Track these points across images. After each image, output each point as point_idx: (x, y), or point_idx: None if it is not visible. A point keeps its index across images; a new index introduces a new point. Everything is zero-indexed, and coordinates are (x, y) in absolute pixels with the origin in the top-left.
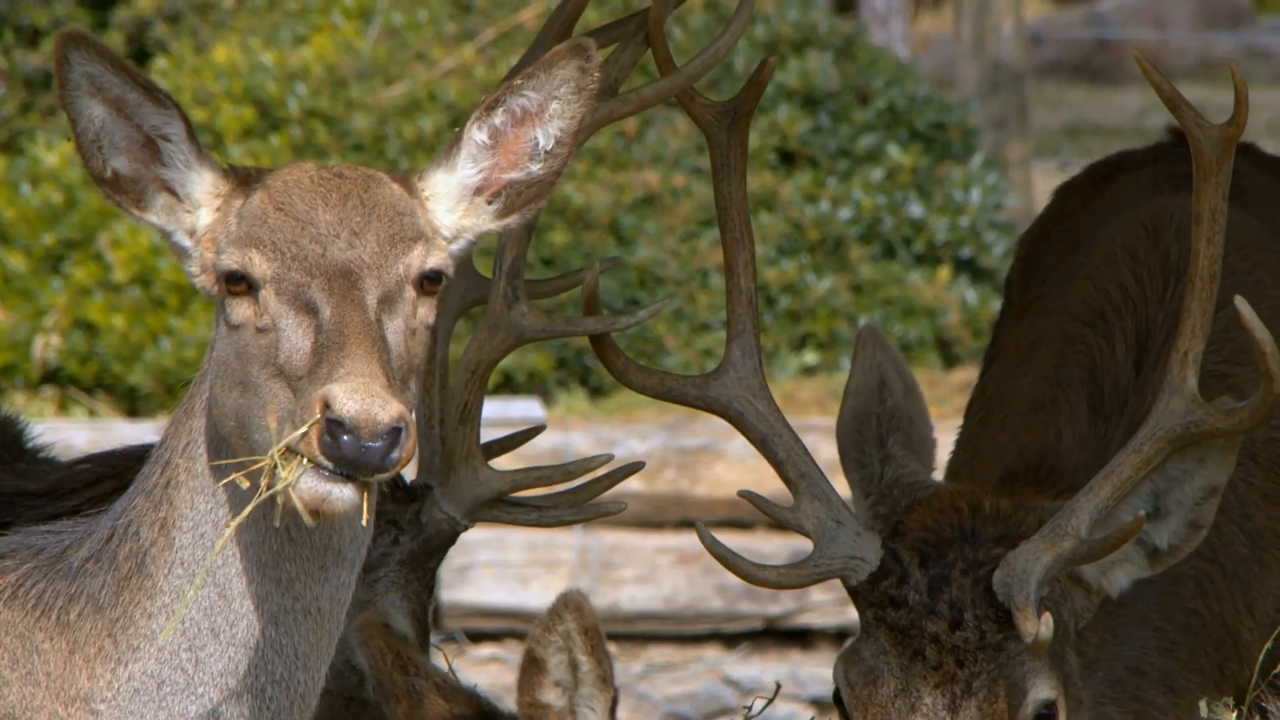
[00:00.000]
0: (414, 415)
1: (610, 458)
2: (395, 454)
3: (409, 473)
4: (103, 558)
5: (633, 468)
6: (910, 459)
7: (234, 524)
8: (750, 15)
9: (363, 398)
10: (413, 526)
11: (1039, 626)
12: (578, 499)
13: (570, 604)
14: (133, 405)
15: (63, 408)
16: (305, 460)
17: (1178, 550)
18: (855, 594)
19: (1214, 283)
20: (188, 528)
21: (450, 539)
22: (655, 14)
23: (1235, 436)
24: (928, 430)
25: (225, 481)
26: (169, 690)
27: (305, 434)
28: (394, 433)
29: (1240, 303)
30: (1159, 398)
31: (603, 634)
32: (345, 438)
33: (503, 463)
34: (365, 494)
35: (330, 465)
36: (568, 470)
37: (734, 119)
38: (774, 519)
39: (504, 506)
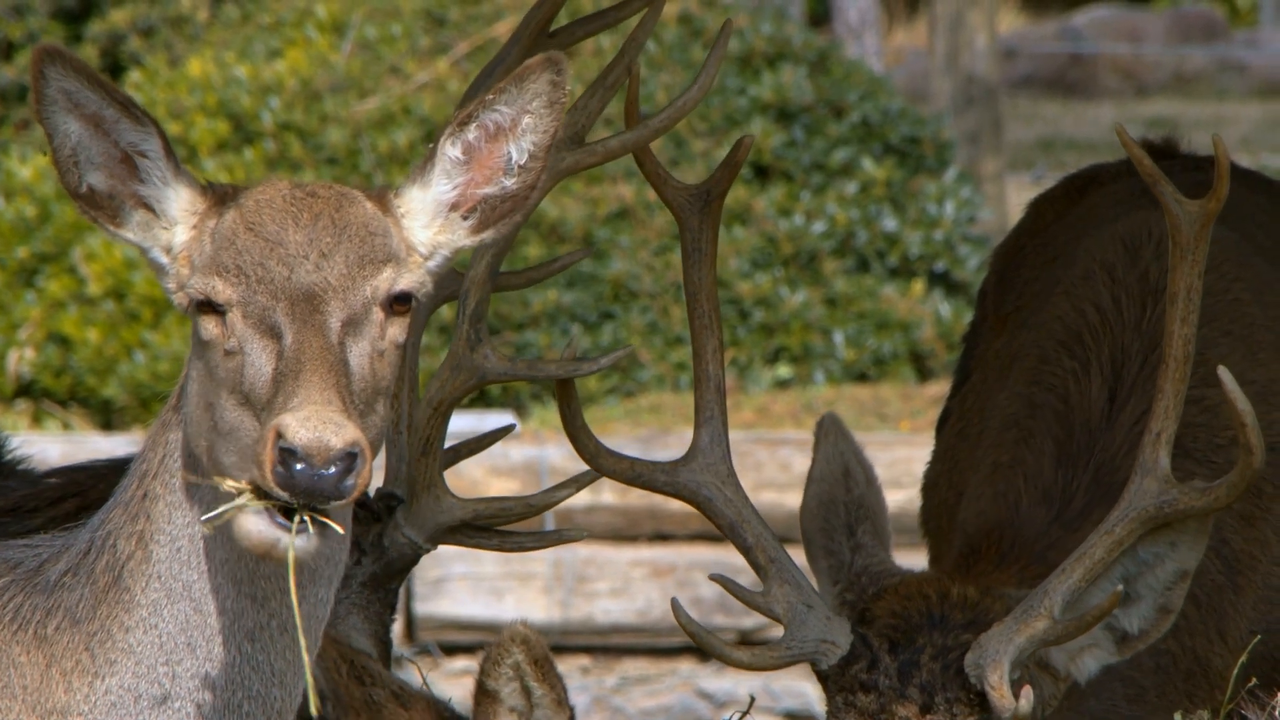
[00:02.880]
0: (378, 436)
1: (590, 477)
2: (350, 480)
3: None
4: (80, 571)
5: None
6: (879, 548)
7: (205, 524)
8: (719, 68)
9: (315, 425)
10: (375, 549)
11: (1019, 700)
12: (548, 501)
13: (517, 638)
14: (107, 418)
15: (37, 421)
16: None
17: (1147, 635)
18: (825, 678)
19: (1188, 363)
20: (165, 541)
21: (412, 561)
22: (632, 94)
23: (1207, 519)
24: (887, 524)
25: (205, 519)
26: (146, 704)
27: (261, 463)
28: (348, 458)
29: (1223, 373)
30: (1132, 478)
31: (553, 660)
32: (298, 466)
33: (478, 472)
34: (319, 535)
35: (285, 495)
36: (529, 504)
37: (706, 202)
38: (744, 602)
39: (467, 531)
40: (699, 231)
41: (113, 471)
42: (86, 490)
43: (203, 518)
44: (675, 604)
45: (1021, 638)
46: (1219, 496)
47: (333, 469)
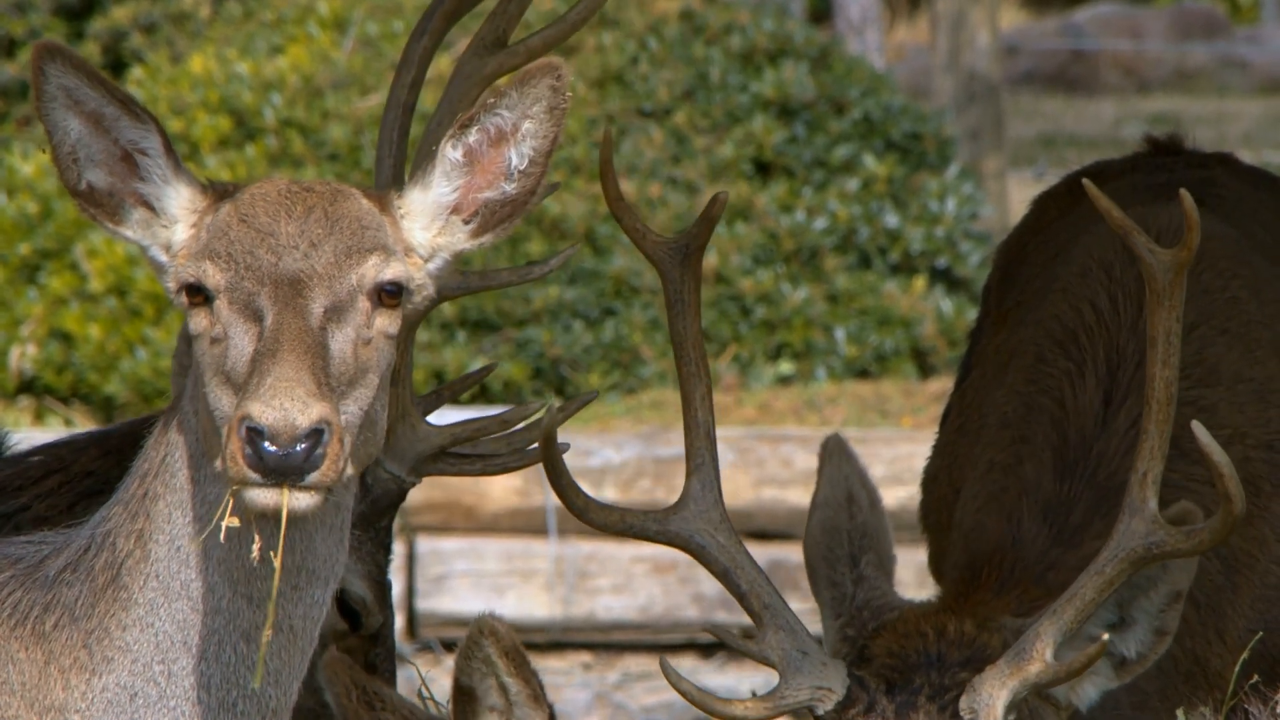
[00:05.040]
0: (364, 420)
1: (547, 405)
2: (319, 451)
3: None
4: (80, 568)
5: (586, 399)
6: (881, 579)
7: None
8: None
9: (281, 403)
10: (359, 489)
11: None
12: (528, 439)
13: (486, 629)
14: (109, 415)
15: (39, 418)
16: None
17: (1145, 659)
18: None
19: (1171, 404)
20: (164, 541)
21: (399, 497)
22: (605, 153)
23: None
24: (890, 548)
25: (208, 532)
26: (142, 702)
27: (232, 455)
28: (315, 434)
29: (1197, 428)
30: (1120, 517)
31: (524, 653)
32: (267, 446)
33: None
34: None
35: (258, 477)
36: (504, 419)
37: (686, 255)
38: (739, 651)
39: (448, 459)
40: (681, 283)
41: (94, 444)
42: (69, 465)
43: (204, 534)
44: (663, 662)
45: (1014, 681)
46: (1203, 540)
47: (300, 446)
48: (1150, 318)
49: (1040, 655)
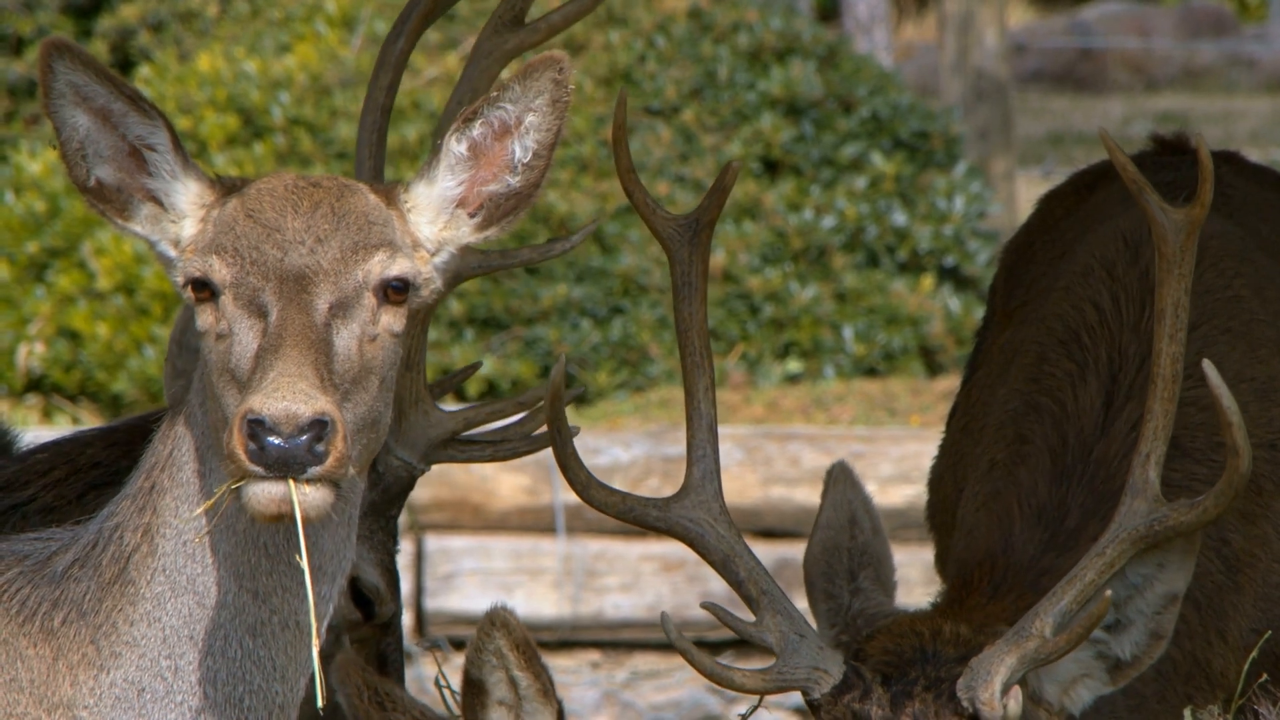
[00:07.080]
0: (368, 419)
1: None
2: (321, 446)
3: None
4: (88, 563)
5: (573, 393)
6: (879, 593)
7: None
8: None
9: (283, 395)
10: (370, 477)
11: (1009, 703)
12: (526, 429)
13: (497, 621)
14: (117, 413)
15: (47, 416)
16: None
17: (1140, 662)
18: (817, 708)
19: (1176, 382)
20: (171, 535)
21: (409, 485)
22: (619, 117)
23: (1194, 540)
24: (892, 573)
25: (201, 510)
26: (149, 698)
27: (233, 450)
28: (317, 425)
29: (1207, 367)
30: (1122, 500)
31: (535, 647)
32: (269, 438)
33: (488, 468)
34: (334, 493)
35: (261, 471)
36: (519, 402)
37: (695, 232)
38: (737, 633)
39: (458, 446)
40: (689, 264)
41: (100, 438)
42: (75, 457)
43: (197, 510)
44: (665, 618)
45: (1012, 658)
46: (1207, 509)
47: (302, 437)
48: (1159, 288)
49: (1039, 633)
